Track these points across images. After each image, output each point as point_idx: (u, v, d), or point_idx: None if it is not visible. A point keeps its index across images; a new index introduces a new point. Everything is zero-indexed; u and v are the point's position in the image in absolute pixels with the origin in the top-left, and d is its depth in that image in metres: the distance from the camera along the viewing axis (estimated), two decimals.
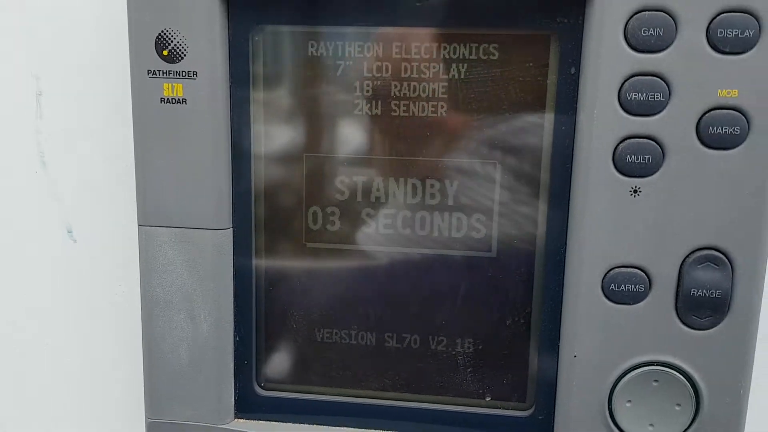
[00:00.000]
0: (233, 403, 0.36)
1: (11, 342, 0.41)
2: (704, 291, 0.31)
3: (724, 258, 0.31)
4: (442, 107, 0.32)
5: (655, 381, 0.32)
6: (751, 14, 0.29)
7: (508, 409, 0.35)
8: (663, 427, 0.32)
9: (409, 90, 0.32)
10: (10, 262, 0.40)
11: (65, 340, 0.41)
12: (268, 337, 0.36)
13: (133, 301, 0.38)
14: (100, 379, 0.41)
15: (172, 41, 0.32)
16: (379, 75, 0.33)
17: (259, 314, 0.36)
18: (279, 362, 0.36)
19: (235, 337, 0.36)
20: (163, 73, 0.32)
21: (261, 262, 0.35)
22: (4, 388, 0.42)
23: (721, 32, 0.29)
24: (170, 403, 0.36)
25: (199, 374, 0.35)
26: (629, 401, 0.32)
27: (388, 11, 0.31)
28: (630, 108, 0.30)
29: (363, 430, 0.35)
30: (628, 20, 0.29)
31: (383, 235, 0.34)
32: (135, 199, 0.35)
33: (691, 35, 0.29)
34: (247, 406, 0.36)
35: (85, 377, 0.41)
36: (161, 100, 0.33)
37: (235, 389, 0.36)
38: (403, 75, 0.32)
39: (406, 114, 0.33)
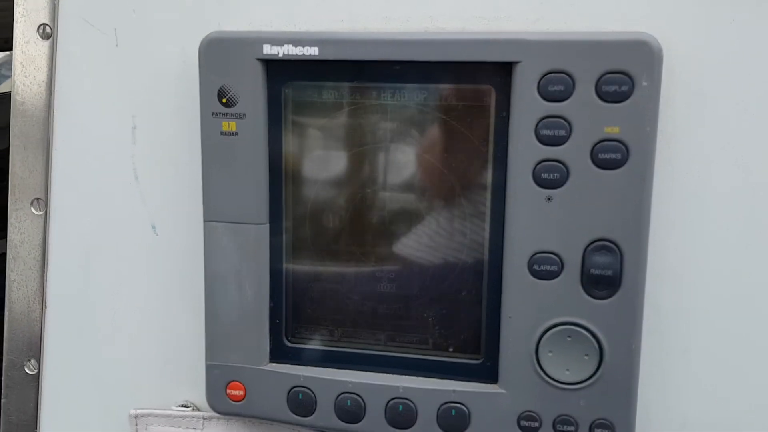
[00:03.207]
0: (268, 351, 0.50)
1: (111, 306, 0.56)
2: (601, 270, 0.43)
3: (614, 246, 0.43)
4: (416, 138, 0.47)
5: (569, 337, 0.45)
6: (626, 74, 0.42)
7: (465, 358, 0.48)
8: (576, 372, 0.45)
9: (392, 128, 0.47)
10: (111, 249, 0.55)
11: (148, 306, 0.55)
12: (294, 305, 0.50)
13: (199, 276, 0.52)
14: (173, 334, 0.55)
15: (228, 93, 0.47)
16: (368, 119, 0.47)
17: (288, 287, 0.50)
18: (301, 322, 0.51)
19: (270, 302, 0.50)
20: (222, 114, 0.47)
21: (289, 250, 0.50)
22: (109, 330, 0.56)
23: (605, 87, 0.42)
24: (223, 351, 0.50)
25: (244, 330, 0.49)
26: (551, 352, 0.45)
27: (373, 72, 0.46)
28: (543, 140, 0.43)
29: (360, 372, 0.49)
30: (541, 79, 0.43)
31: (381, 240, 0.48)
32: (200, 205, 0.50)
33: (585, 89, 0.42)
34: (278, 353, 0.50)
35: (163, 332, 0.55)
36: (221, 133, 0.47)
37: (269, 341, 0.50)
38: (387, 117, 0.47)
39: (394, 146, 0.47)
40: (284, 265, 0.50)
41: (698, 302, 0.47)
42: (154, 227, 0.55)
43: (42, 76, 0.55)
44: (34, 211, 0.56)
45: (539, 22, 0.46)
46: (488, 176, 0.46)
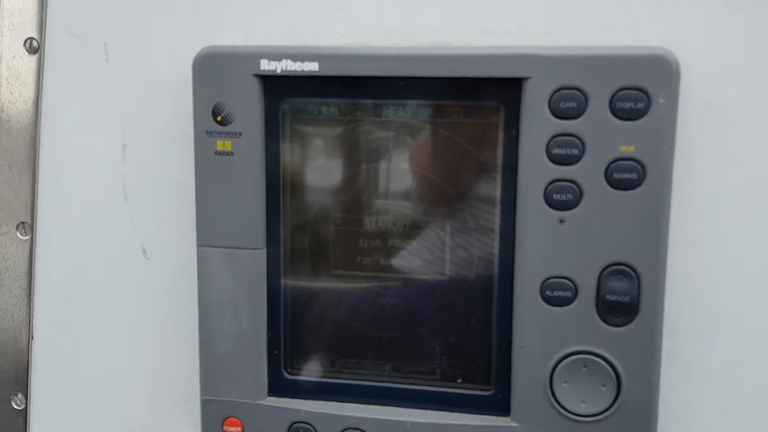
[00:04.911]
0: (266, 384, 0.49)
1: (100, 335, 0.55)
2: (617, 296, 0.43)
3: (631, 271, 0.43)
4: (421, 159, 0.46)
5: (584, 366, 0.44)
6: (642, 91, 0.41)
7: (475, 389, 0.47)
8: (593, 403, 0.44)
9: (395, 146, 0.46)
10: (100, 275, 0.54)
11: (139, 334, 0.54)
12: (293, 335, 0.50)
13: (193, 304, 0.51)
14: (166, 365, 0.54)
15: (223, 110, 0.46)
16: (370, 136, 0.47)
17: (286, 315, 0.49)
18: (301, 353, 0.50)
19: (267, 332, 0.49)
20: (217, 133, 0.47)
21: (287, 276, 0.49)
22: (98, 360, 0.55)
23: (619, 104, 0.42)
24: (218, 384, 0.49)
25: (240, 361, 0.49)
26: (566, 382, 0.45)
27: (375, 88, 0.46)
28: (555, 159, 0.43)
29: (364, 405, 0.48)
30: (552, 95, 0.42)
31: (384, 264, 0.48)
32: (194, 226, 0.49)
33: (598, 106, 0.42)
34: (277, 386, 0.49)
35: (155, 362, 0.54)
36: (215, 153, 0.47)
37: (267, 373, 0.49)
38: (389, 135, 0.46)
39: (397, 165, 0.47)
40: (282, 293, 0.49)
41: (719, 326, 0.46)
42: (144, 251, 0.54)
43: (29, 92, 0.54)
44: (19, 235, 0.56)
45: (549, 36, 0.45)
46: (497, 197, 0.45)
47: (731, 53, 0.44)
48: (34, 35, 0.54)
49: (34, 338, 0.57)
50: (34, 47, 0.54)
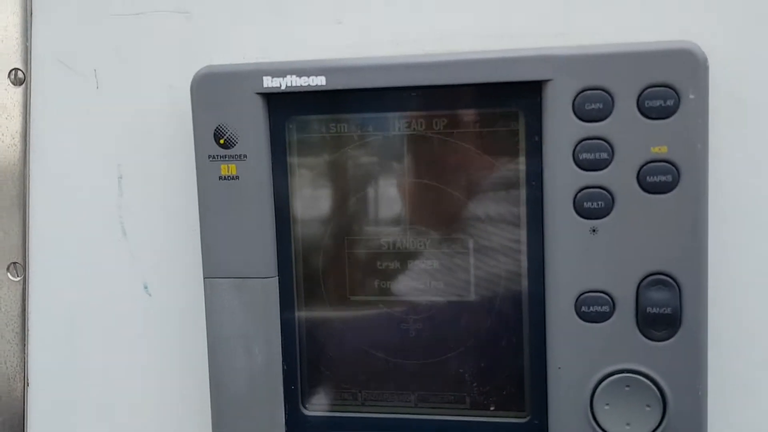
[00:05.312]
0: (283, 422, 0.46)
1: (102, 379, 0.52)
2: (658, 308, 0.41)
3: (671, 280, 0.41)
4: (438, 173, 0.44)
5: (627, 386, 0.42)
6: (671, 87, 0.39)
7: (509, 417, 0.45)
8: (638, 426, 0.42)
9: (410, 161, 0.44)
10: (99, 315, 0.52)
11: (144, 377, 0.52)
12: (310, 367, 0.47)
13: (201, 340, 0.49)
14: (173, 408, 0.52)
15: (226, 132, 0.44)
16: (384, 152, 0.44)
17: (302, 346, 0.47)
18: (319, 387, 0.47)
19: (283, 366, 0.46)
20: (221, 157, 0.44)
21: (301, 305, 0.46)
22: (100, 406, 0.53)
23: (648, 103, 0.40)
24: (232, 424, 0.46)
25: (255, 399, 0.46)
26: (607, 404, 0.42)
27: (387, 100, 0.44)
28: (583, 165, 0.41)
29: None
30: (575, 98, 0.40)
31: (404, 287, 0.45)
32: (198, 257, 0.47)
33: (625, 106, 0.40)
34: (295, 424, 0.47)
35: (161, 406, 0.52)
36: (219, 178, 0.45)
37: (284, 410, 0.46)
38: (404, 149, 0.44)
39: (414, 180, 0.45)
40: (297, 323, 0.47)
41: (764, 335, 0.44)
42: (146, 287, 0.51)
43: (15, 125, 0.52)
44: (10, 276, 0.53)
45: (564, 36, 0.44)
46: (522, 209, 0.43)
47: (757, 42, 0.42)
48: (19, 65, 0.52)
49: (29, 385, 0.54)
50: (20, 78, 0.52)
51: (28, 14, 0.51)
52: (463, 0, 0.45)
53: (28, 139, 0.52)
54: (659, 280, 0.41)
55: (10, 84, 0.52)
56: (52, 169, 0.52)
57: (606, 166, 0.40)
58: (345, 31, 0.47)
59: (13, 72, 0.52)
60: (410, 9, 0.46)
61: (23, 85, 0.52)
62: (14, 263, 0.53)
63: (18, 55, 0.52)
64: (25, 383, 0.54)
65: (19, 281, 0.53)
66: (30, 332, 0.53)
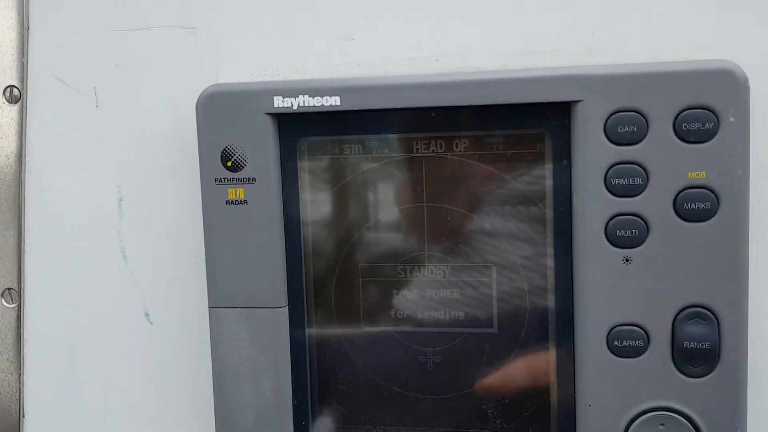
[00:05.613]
0: None
1: (101, 410, 0.50)
2: (695, 343, 0.38)
3: (709, 314, 0.38)
4: (459, 197, 0.42)
5: (662, 425, 0.39)
6: (710, 110, 0.37)
7: None
8: None
9: (429, 184, 0.42)
10: (98, 344, 0.50)
11: (145, 410, 0.50)
12: (322, 402, 0.45)
13: (206, 373, 0.47)
14: None
15: (234, 154, 0.42)
16: (401, 175, 0.42)
17: (314, 380, 0.44)
18: (333, 423, 0.45)
19: (293, 401, 0.44)
20: (228, 180, 0.42)
21: (313, 336, 0.44)
22: None
23: (685, 125, 0.37)
24: None
25: None
26: None
27: (404, 121, 0.41)
28: (615, 191, 0.38)
29: None
30: (607, 120, 0.38)
31: (422, 317, 0.43)
32: (203, 285, 0.45)
33: (661, 129, 0.38)
34: None
35: None
36: (226, 202, 0.43)
37: None
38: (422, 172, 0.42)
39: (434, 205, 0.42)
40: (308, 355, 0.44)
41: None
42: (147, 315, 0.49)
43: (10, 145, 0.50)
44: (5, 303, 0.51)
45: (592, 54, 0.42)
46: (550, 237, 0.41)
47: None
48: (15, 82, 0.50)
49: (25, 417, 0.52)
50: (15, 96, 0.50)
51: (25, 28, 0.49)
52: (484, 16, 0.43)
53: (23, 159, 0.50)
54: (696, 313, 0.38)
55: (5, 102, 0.50)
56: (49, 191, 0.50)
57: (640, 192, 0.38)
58: (358, 48, 0.44)
59: (8, 89, 0.50)
60: (427, 25, 0.44)
61: (19, 103, 0.50)
62: (9, 289, 0.51)
63: (13, 72, 0.50)
64: (21, 414, 0.52)
65: (14, 308, 0.51)
66: (26, 361, 0.51)
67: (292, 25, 0.45)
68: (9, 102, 0.50)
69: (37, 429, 0.52)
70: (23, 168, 0.50)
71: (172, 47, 0.47)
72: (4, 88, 0.50)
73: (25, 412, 0.52)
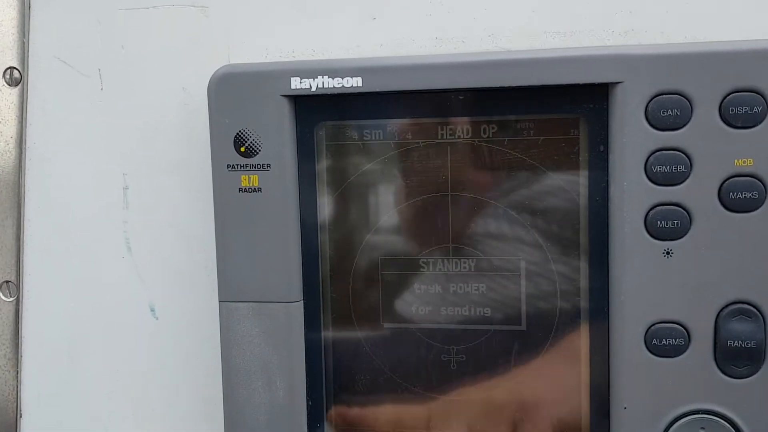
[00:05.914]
0: None
1: (103, 410, 0.49)
2: (740, 342, 0.37)
3: (755, 310, 0.37)
4: (486, 186, 0.40)
5: (702, 428, 0.38)
6: (758, 93, 0.35)
7: None
8: None
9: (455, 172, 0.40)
10: (101, 340, 0.49)
11: (149, 410, 0.48)
12: (338, 403, 0.43)
13: (215, 371, 0.45)
14: None
15: (248, 139, 0.40)
16: (425, 162, 0.40)
17: (329, 380, 0.43)
18: (349, 425, 0.43)
19: (307, 402, 0.42)
20: (241, 166, 0.41)
21: (329, 333, 0.43)
22: None
23: (732, 109, 0.36)
24: None
25: None
26: None
27: (430, 104, 0.40)
28: (656, 179, 0.37)
29: None
30: (648, 103, 0.36)
31: (445, 313, 0.41)
32: (213, 278, 0.43)
33: (706, 113, 0.36)
34: None
35: None
36: (239, 190, 0.41)
37: None
38: (447, 159, 0.40)
39: (456, 193, 0.40)
40: (323, 353, 0.43)
41: None
42: (153, 310, 0.48)
43: (10, 130, 0.49)
44: (3, 296, 0.50)
45: (630, 34, 0.40)
46: (584, 228, 0.39)
47: None
48: (15, 64, 0.49)
49: (22, 416, 0.51)
50: (16, 78, 0.49)
51: (26, 6, 0.48)
52: None
53: (23, 145, 0.49)
54: (741, 310, 0.37)
55: (5, 84, 0.48)
56: (50, 179, 0.49)
57: (683, 181, 0.36)
58: (380, 28, 0.42)
59: (8, 71, 0.48)
60: (454, 3, 0.42)
61: (19, 85, 0.48)
62: (7, 282, 0.50)
63: (14, 53, 0.48)
64: (18, 414, 0.51)
65: (12, 302, 0.50)
66: (24, 358, 0.50)
67: (310, 4, 0.43)
68: (9, 84, 0.48)
69: (34, 429, 0.51)
70: (23, 154, 0.49)
71: (182, 27, 0.45)
72: (3, 69, 0.49)
73: (22, 411, 0.51)
